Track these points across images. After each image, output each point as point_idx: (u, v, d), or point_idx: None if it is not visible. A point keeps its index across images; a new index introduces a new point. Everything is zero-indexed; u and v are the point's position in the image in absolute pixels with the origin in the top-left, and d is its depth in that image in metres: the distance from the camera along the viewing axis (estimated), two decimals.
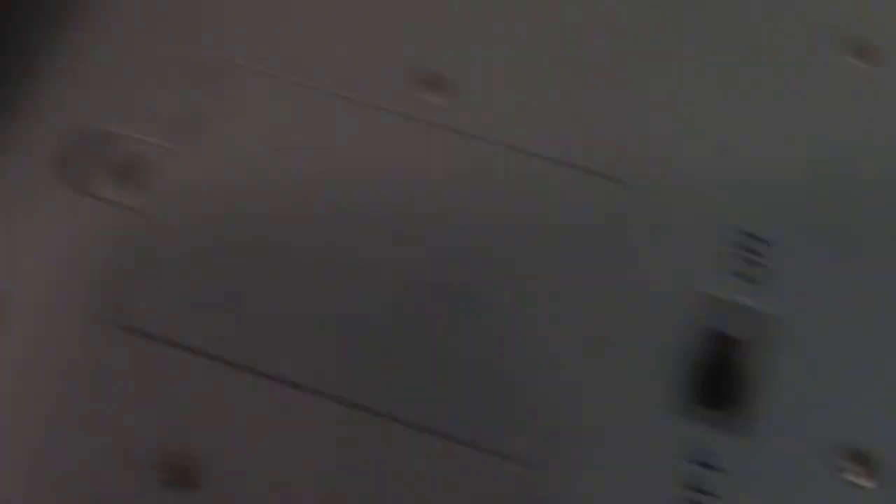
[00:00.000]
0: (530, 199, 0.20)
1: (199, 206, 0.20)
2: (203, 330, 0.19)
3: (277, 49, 0.21)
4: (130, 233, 0.19)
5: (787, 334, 0.19)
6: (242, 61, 0.21)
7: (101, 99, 0.21)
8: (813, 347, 0.19)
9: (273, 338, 0.19)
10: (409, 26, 0.22)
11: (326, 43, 0.22)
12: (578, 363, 0.19)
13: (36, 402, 0.18)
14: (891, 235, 0.20)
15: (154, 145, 0.20)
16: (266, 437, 0.18)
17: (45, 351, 0.18)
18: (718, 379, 0.19)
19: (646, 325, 0.19)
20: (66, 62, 0.21)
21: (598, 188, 0.20)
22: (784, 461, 0.18)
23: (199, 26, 0.21)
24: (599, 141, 0.21)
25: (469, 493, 0.18)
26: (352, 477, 0.18)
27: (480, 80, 0.21)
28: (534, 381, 0.19)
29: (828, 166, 0.21)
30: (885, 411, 0.19)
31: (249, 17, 0.22)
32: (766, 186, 0.21)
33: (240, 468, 0.18)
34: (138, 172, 0.20)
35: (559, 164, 0.21)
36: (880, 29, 0.23)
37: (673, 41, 0.22)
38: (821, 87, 0.22)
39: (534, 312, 0.19)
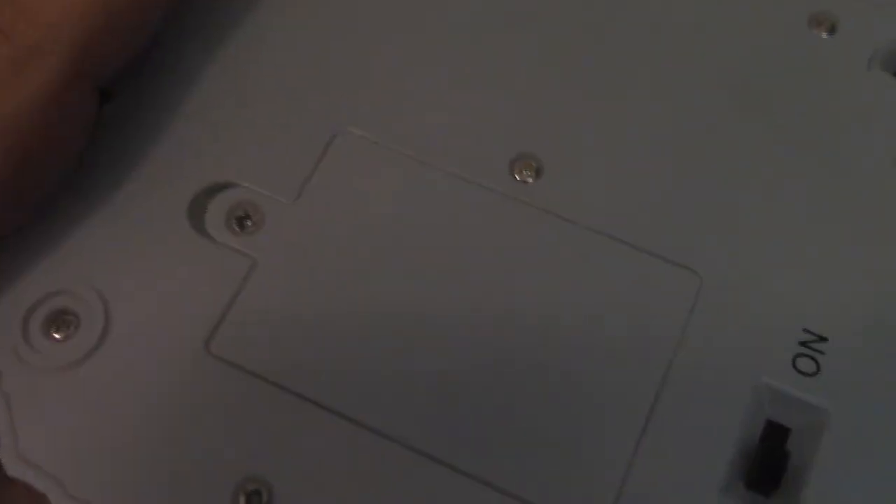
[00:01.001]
0: (605, 280, 0.22)
1: (299, 256, 0.22)
2: (292, 370, 0.21)
3: (387, 122, 0.23)
4: (237, 273, 0.22)
5: (837, 428, 0.20)
6: (354, 129, 0.23)
7: (224, 155, 0.23)
8: (860, 443, 0.20)
9: (357, 386, 0.21)
10: (511, 112, 0.23)
11: (436, 124, 0.23)
12: (635, 439, 0.20)
13: (132, 419, 0.20)
14: None
15: (265, 196, 0.22)
16: (339, 475, 0.20)
17: (146, 373, 0.21)
18: (768, 465, 0.20)
19: (705, 410, 0.20)
20: (199, 120, 0.23)
21: (674, 276, 0.22)
22: None
23: (314, 94, 0.24)
24: (678, 232, 0.22)
25: None
26: None
27: (571, 165, 0.23)
28: (594, 454, 0.20)
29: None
30: None
31: (364, 91, 0.24)
32: (831, 290, 0.21)
33: (307, 497, 0.20)
34: (251, 220, 0.22)
35: (637, 249, 0.22)
36: None
37: (758, 144, 0.23)
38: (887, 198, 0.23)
39: (601, 387, 0.21)
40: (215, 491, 0.20)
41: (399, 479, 0.20)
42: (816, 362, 0.20)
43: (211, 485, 0.20)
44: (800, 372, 0.20)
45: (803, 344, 0.21)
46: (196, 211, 0.22)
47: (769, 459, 0.20)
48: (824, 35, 0.24)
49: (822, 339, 0.21)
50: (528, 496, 0.20)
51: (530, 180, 0.22)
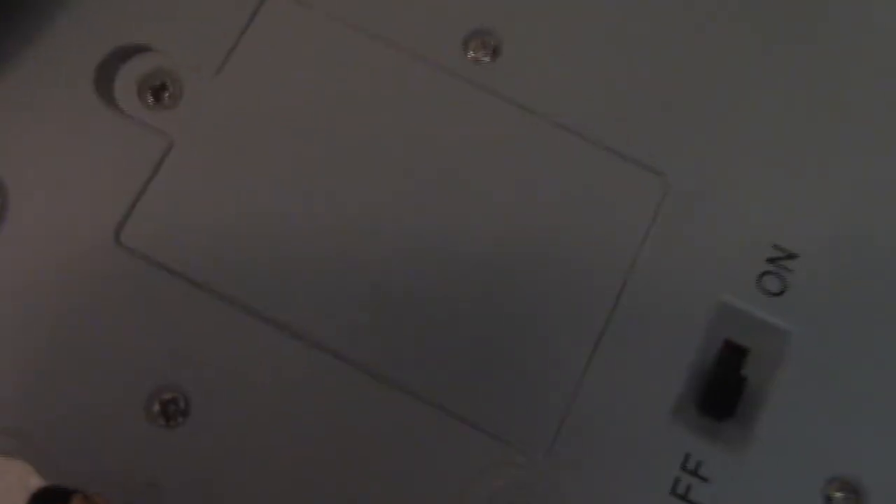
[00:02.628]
0: (564, 177, 0.20)
1: (222, 137, 0.19)
2: (211, 266, 0.19)
3: None
4: (150, 153, 0.19)
5: (799, 353, 0.19)
6: None
7: (138, 13, 0.20)
8: (823, 370, 0.19)
9: (281, 286, 0.19)
10: None
11: None
12: (587, 355, 0.19)
13: (36, 312, 0.18)
14: None
15: (185, 65, 0.20)
16: (260, 383, 0.18)
17: (48, 265, 0.18)
18: (723, 389, 0.19)
19: (661, 326, 0.19)
20: None
21: (638, 178, 0.20)
22: (773, 482, 0.18)
23: None
24: (646, 130, 0.20)
25: (456, 467, 0.18)
26: (335, 428, 0.18)
27: (533, 46, 0.20)
28: (540, 371, 0.18)
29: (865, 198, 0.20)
30: (885, 448, 0.18)
31: None
32: (804, 205, 0.20)
33: (226, 407, 0.18)
34: (167, 91, 0.19)
35: (599, 146, 0.20)
36: None
37: (735, 41, 0.21)
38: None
39: (552, 297, 0.19)
40: (128, 398, 0.18)
41: (326, 388, 0.18)
42: (783, 281, 0.19)
43: (123, 392, 0.18)
44: (765, 291, 0.19)
45: (771, 261, 0.19)
46: (104, 78, 0.19)
47: (725, 383, 0.19)
48: None
49: (792, 256, 0.19)
50: (465, 414, 0.18)
51: (486, 60, 0.20)
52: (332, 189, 0.19)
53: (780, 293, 0.19)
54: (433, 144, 0.20)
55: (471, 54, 0.20)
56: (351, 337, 0.18)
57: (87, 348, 0.18)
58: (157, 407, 0.18)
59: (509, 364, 0.19)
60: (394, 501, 0.18)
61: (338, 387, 0.18)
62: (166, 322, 0.18)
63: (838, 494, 0.18)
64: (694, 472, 0.18)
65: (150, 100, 0.19)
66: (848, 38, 0.21)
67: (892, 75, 0.20)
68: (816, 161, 0.20)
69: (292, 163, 0.19)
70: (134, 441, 0.18)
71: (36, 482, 0.18)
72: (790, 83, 0.20)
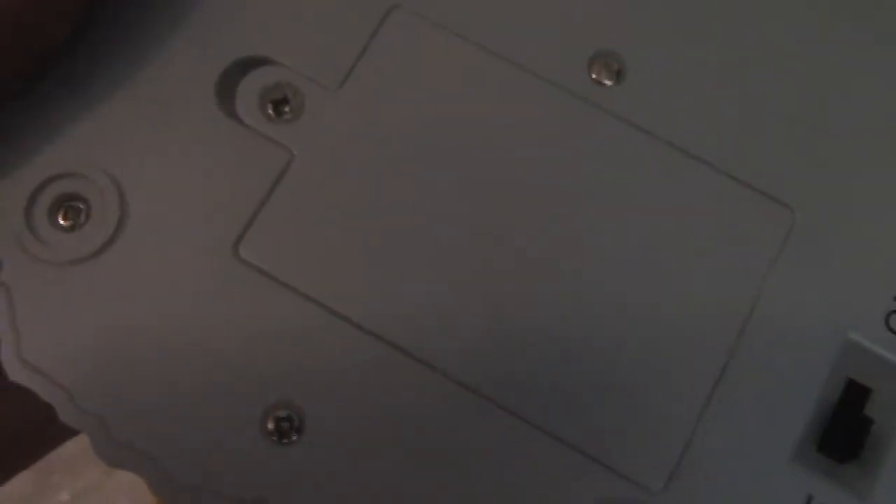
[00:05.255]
0: (686, 205, 0.19)
1: (342, 153, 0.19)
2: (329, 283, 0.18)
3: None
4: (271, 167, 0.19)
5: None
6: (412, 4, 0.20)
7: (260, 25, 0.20)
8: None
9: (399, 306, 0.18)
10: (595, 2, 0.20)
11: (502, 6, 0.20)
12: (708, 390, 0.18)
13: (150, 327, 0.18)
14: None
15: (306, 78, 0.19)
16: (376, 405, 0.18)
17: (166, 275, 0.18)
18: (846, 429, 0.18)
19: (784, 363, 0.18)
20: None
21: (764, 209, 0.19)
22: None
23: None
24: (773, 161, 0.19)
25: (571, 499, 0.18)
26: (449, 452, 0.18)
27: (658, 70, 0.20)
28: (660, 405, 0.18)
29: None
30: None
31: None
32: None
33: (340, 427, 0.18)
34: (289, 105, 0.19)
35: (724, 174, 0.19)
36: None
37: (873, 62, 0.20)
38: None
39: (673, 329, 0.19)
40: (242, 415, 0.18)
41: (440, 411, 0.18)
42: None
43: (237, 407, 0.18)
44: (892, 331, 0.18)
45: None
46: (226, 90, 0.19)
47: (847, 422, 0.18)
48: None
49: None
50: (582, 445, 0.18)
51: (609, 83, 0.20)
52: (451, 210, 0.19)
53: None
54: (553, 168, 0.19)
55: (594, 76, 0.20)
56: (468, 361, 0.18)
57: (201, 361, 0.18)
58: (270, 424, 0.18)
59: (628, 397, 0.18)
60: None
61: (453, 410, 0.18)
62: (282, 338, 0.18)
63: None
64: None
65: (272, 112, 0.19)
66: None
67: None
68: None
69: (412, 181, 0.19)
70: (246, 457, 0.18)
71: None
72: None
